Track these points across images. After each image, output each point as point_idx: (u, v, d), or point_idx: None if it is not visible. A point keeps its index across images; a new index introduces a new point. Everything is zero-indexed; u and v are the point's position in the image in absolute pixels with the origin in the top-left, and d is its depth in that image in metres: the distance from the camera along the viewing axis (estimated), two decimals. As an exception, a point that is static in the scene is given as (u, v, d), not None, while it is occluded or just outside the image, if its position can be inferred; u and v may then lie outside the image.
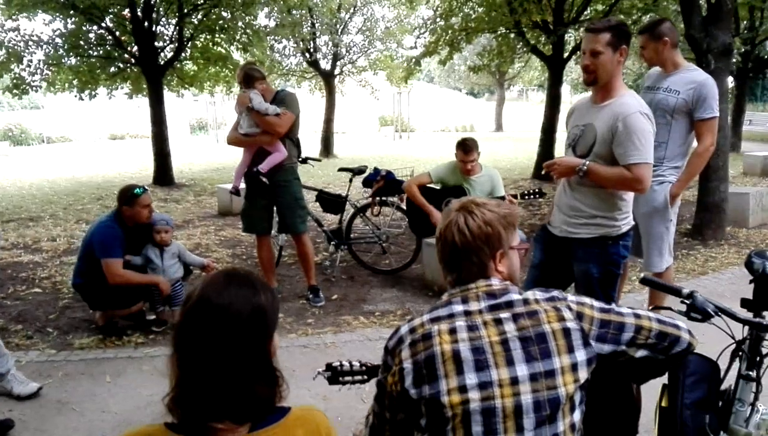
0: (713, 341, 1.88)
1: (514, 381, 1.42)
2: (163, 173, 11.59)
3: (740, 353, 1.83)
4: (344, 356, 3.73)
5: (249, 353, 1.18)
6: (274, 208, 4.77)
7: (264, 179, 4.48)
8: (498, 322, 1.48)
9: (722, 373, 1.96)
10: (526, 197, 4.55)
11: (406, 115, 26.11)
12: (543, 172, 3.02)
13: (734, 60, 12.85)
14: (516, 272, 1.64)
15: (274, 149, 4.50)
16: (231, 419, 1.17)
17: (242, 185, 4.83)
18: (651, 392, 1.91)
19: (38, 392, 3.37)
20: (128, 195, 4.04)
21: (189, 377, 1.17)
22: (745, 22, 12.61)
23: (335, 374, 1.90)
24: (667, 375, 1.94)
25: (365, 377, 1.90)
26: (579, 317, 1.53)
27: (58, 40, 11.28)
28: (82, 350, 4.02)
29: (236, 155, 16.36)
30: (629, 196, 2.78)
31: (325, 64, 17.61)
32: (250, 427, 1.19)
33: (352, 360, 1.92)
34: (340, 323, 4.46)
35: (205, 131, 26.31)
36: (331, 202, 5.68)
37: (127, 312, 4.24)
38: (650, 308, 2.39)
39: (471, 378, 1.42)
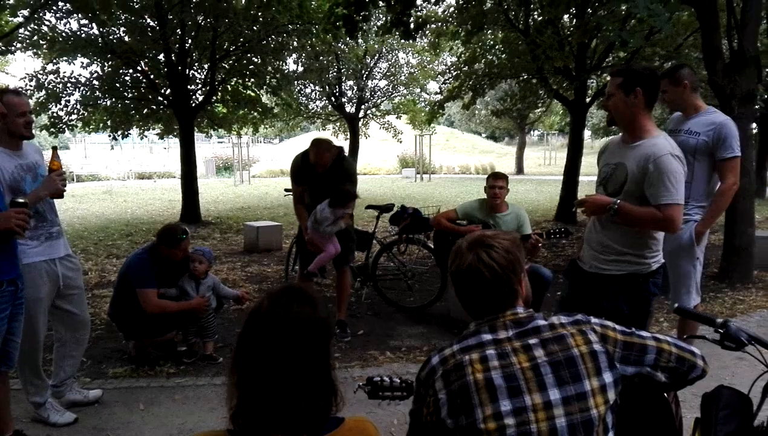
0: (745, 376, 1.91)
1: (548, 405, 1.45)
2: (191, 211, 11.84)
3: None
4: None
5: (314, 364, 1.25)
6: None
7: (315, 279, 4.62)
8: (527, 348, 1.52)
9: (755, 407, 1.98)
10: (552, 237, 4.59)
11: (427, 157, 26.41)
12: (573, 210, 3.08)
13: (757, 106, 12.88)
14: (529, 290, 1.68)
15: (326, 248, 4.67)
16: (289, 432, 1.23)
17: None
18: (684, 425, 1.94)
19: (75, 421, 3.46)
20: (172, 238, 4.17)
21: (253, 390, 1.23)
22: (767, 69, 12.69)
23: (375, 389, 1.92)
24: (699, 409, 1.97)
25: (404, 393, 1.91)
26: (603, 339, 1.57)
27: (95, 82, 11.74)
28: (116, 379, 4.11)
29: (261, 194, 16.22)
30: (659, 234, 2.82)
31: (350, 108, 18.05)
32: None
33: (392, 376, 1.95)
34: (366, 358, 4.50)
35: (230, 172, 26.80)
36: (359, 238, 5.77)
37: (160, 340, 4.33)
38: (684, 337, 2.41)
39: (506, 405, 1.44)
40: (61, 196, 3.20)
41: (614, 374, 1.52)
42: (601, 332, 1.58)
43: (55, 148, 3.23)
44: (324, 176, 4.62)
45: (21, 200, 2.74)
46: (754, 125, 13.58)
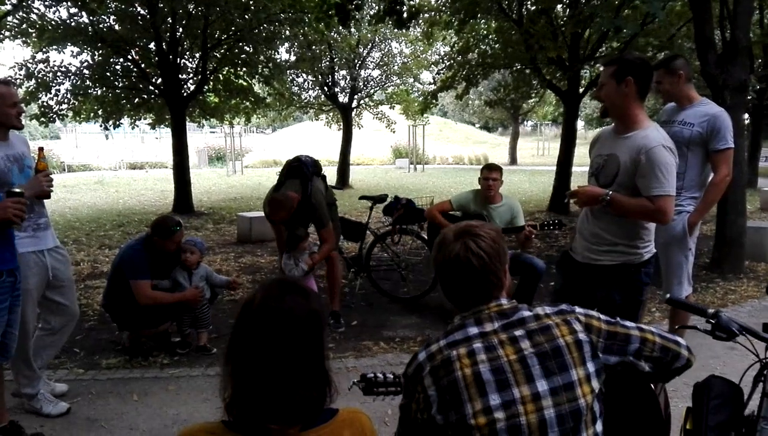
0: (736, 366, 1.93)
1: (536, 397, 1.45)
2: (183, 201, 11.80)
3: (765, 373, 1.88)
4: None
5: (307, 355, 1.25)
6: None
7: None
8: (513, 340, 1.52)
9: (745, 397, 2.01)
10: (546, 228, 4.59)
11: (420, 147, 26.39)
12: (566, 201, 3.08)
13: (750, 96, 12.94)
14: (511, 282, 1.70)
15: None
16: (283, 422, 1.23)
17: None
18: (676, 414, 1.96)
19: (68, 411, 3.46)
20: (166, 229, 4.14)
21: (248, 382, 1.23)
22: (759, 60, 12.75)
23: (369, 385, 1.93)
24: (691, 398, 1.99)
25: (398, 388, 1.92)
26: (587, 328, 1.57)
27: (85, 71, 11.63)
28: (109, 370, 4.10)
29: (254, 184, 16.13)
30: (651, 225, 2.84)
31: (342, 98, 17.94)
32: (300, 427, 1.26)
33: (386, 372, 1.96)
34: (360, 348, 4.51)
35: (223, 162, 26.68)
36: (352, 229, 5.77)
37: (153, 332, 4.32)
38: (676, 327, 2.42)
39: (495, 399, 1.44)
40: (48, 197, 3.18)
41: (596, 363, 1.53)
42: (585, 322, 1.58)
43: (41, 149, 3.19)
44: (294, 216, 4.61)
45: (17, 190, 2.77)
46: (746, 116, 13.67)
